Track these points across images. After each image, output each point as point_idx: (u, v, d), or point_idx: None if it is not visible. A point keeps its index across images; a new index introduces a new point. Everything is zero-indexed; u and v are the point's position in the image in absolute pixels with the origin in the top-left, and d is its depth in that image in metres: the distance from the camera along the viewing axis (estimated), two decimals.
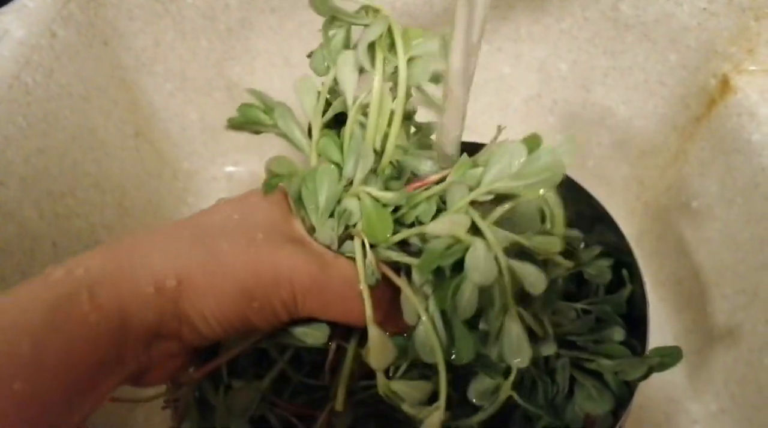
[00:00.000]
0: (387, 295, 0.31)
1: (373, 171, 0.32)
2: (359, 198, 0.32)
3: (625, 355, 0.34)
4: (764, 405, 0.39)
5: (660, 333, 0.50)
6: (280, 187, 0.35)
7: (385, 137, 0.32)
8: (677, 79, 0.47)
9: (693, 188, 0.47)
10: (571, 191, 0.44)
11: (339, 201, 0.32)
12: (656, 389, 0.47)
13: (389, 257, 0.30)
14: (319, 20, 0.51)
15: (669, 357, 0.33)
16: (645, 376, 0.33)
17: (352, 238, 0.31)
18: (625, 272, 0.37)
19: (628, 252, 0.37)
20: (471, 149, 0.43)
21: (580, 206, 0.41)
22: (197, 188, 0.59)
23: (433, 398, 0.29)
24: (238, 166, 0.61)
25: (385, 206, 0.31)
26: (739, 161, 0.42)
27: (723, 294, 0.44)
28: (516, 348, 0.28)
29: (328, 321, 0.31)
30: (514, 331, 0.28)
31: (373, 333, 0.29)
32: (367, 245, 0.30)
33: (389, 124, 0.32)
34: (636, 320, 0.36)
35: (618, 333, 0.35)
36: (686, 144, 0.48)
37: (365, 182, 0.32)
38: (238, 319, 0.28)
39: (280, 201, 0.33)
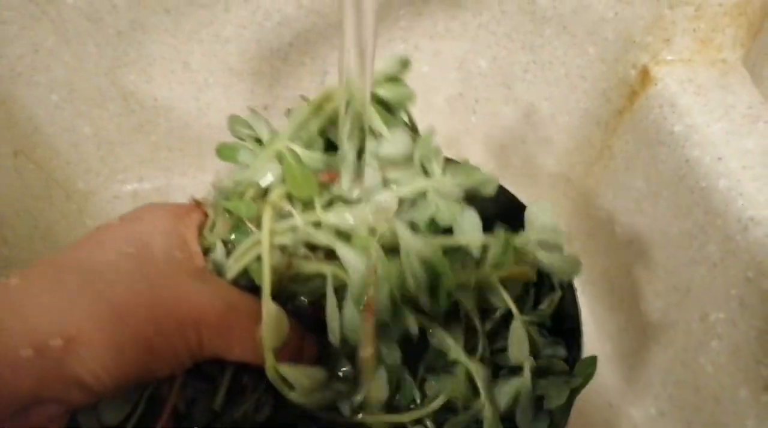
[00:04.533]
0: (296, 330, 0.29)
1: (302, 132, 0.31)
2: (280, 156, 0.31)
3: (554, 371, 0.32)
4: (703, 405, 0.37)
5: (594, 333, 0.48)
6: (180, 206, 0.32)
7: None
8: (597, 72, 0.46)
9: (620, 183, 0.46)
10: (497, 193, 0.41)
11: None
12: (594, 393, 0.45)
13: (309, 237, 0.29)
14: (219, 21, 0.47)
15: (589, 370, 0.32)
16: (569, 401, 0.30)
17: None
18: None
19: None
20: None
21: (508, 209, 0.38)
22: (96, 209, 0.53)
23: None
24: (142, 182, 0.55)
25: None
26: (663, 153, 0.41)
27: (655, 292, 0.42)
28: None
29: (231, 361, 0.28)
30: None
31: (270, 306, 0.27)
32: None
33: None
34: (568, 324, 0.34)
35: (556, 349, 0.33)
36: (611, 139, 0.47)
37: (292, 139, 0.31)
38: (136, 371, 0.25)
39: (177, 226, 0.30)
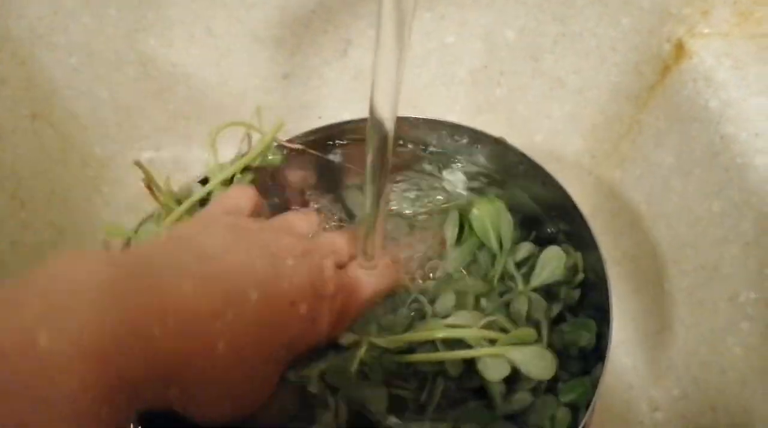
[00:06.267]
0: None
1: None
2: None
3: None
4: (729, 388, 0.37)
5: (616, 313, 0.47)
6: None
7: None
8: (630, 44, 0.44)
9: (648, 160, 0.45)
10: (536, 176, 0.40)
11: None
12: (615, 375, 0.44)
13: None
14: None
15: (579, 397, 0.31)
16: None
17: None
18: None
19: (592, 244, 0.35)
20: (409, 124, 0.39)
21: (545, 191, 0.38)
22: (113, 176, 0.53)
23: None
24: (159, 151, 0.55)
25: None
26: (696, 129, 0.40)
27: (682, 271, 0.41)
28: None
29: None
30: None
31: None
32: None
33: None
34: (598, 308, 0.33)
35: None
36: (640, 114, 0.45)
37: None
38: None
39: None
